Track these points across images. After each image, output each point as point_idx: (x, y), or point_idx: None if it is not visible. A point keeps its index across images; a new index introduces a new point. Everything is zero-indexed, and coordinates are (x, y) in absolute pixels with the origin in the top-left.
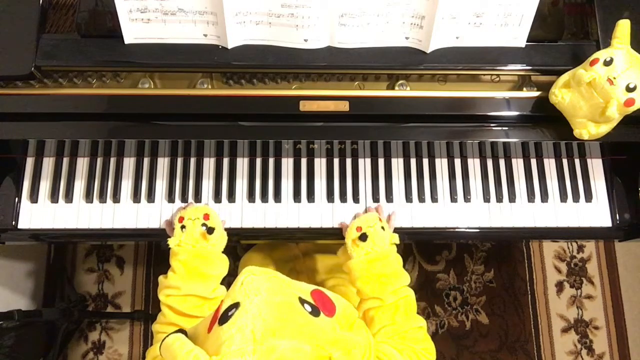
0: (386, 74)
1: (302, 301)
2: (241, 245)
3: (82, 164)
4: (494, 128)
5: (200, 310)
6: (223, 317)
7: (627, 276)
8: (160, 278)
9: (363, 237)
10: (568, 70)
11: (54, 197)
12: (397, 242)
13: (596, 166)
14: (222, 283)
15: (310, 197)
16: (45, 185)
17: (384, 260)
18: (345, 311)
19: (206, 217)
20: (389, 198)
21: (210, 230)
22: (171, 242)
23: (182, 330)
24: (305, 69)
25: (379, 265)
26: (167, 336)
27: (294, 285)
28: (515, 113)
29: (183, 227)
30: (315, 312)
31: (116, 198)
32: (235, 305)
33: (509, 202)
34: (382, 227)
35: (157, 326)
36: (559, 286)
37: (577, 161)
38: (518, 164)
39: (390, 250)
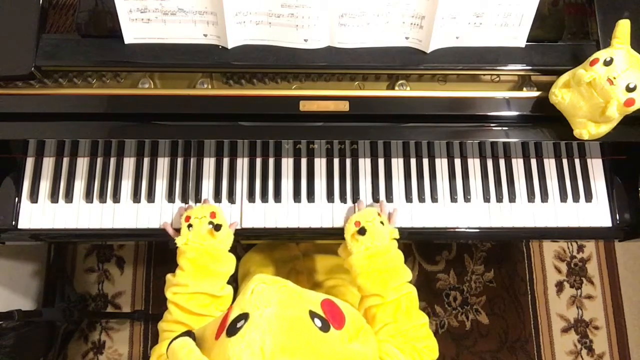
0: (386, 74)
1: (313, 315)
2: (241, 245)
3: (82, 164)
4: (494, 128)
5: (207, 308)
6: (231, 328)
7: (627, 276)
8: (168, 276)
9: (362, 231)
10: (568, 70)
11: (54, 197)
12: (397, 237)
13: (596, 166)
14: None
15: (310, 197)
16: (45, 185)
17: (384, 256)
18: (354, 320)
19: (213, 215)
20: (389, 198)
21: (217, 228)
22: (179, 241)
23: (189, 333)
24: (305, 69)
25: (379, 260)
26: (176, 338)
27: (304, 296)
28: (515, 113)
29: (190, 226)
30: (325, 327)
31: (116, 198)
32: (245, 316)
33: (509, 202)
34: (382, 222)
35: (163, 324)
36: (559, 286)
37: (577, 161)
38: (518, 164)
39: (391, 245)
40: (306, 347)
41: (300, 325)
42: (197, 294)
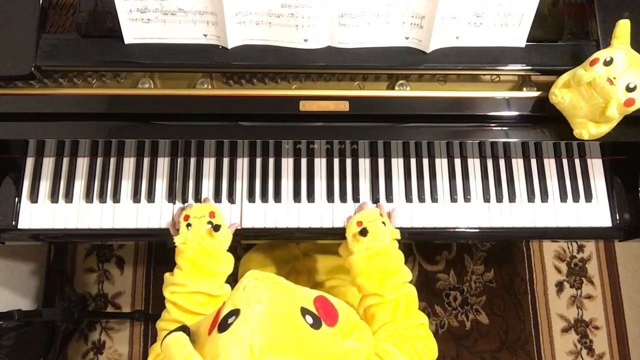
0: (386, 74)
1: (304, 312)
2: (241, 245)
3: (82, 164)
4: (494, 128)
5: (205, 308)
6: (222, 324)
7: (627, 276)
8: (166, 275)
9: (363, 232)
10: (568, 70)
11: (54, 197)
12: (399, 237)
13: (596, 166)
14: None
15: (310, 197)
16: (45, 185)
17: (384, 256)
18: (348, 317)
19: (212, 215)
20: (389, 198)
21: (216, 228)
22: (177, 240)
23: (185, 327)
24: (305, 69)
25: (379, 260)
26: (170, 333)
27: (296, 292)
28: (515, 113)
29: (189, 225)
30: (316, 323)
31: (116, 198)
32: (236, 312)
33: (509, 202)
34: (383, 223)
35: (162, 323)
36: (559, 286)
37: (577, 161)
38: (518, 164)
39: (392, 246)
40: (295, 344)
41: (290, 323)
42: (195, 294)
